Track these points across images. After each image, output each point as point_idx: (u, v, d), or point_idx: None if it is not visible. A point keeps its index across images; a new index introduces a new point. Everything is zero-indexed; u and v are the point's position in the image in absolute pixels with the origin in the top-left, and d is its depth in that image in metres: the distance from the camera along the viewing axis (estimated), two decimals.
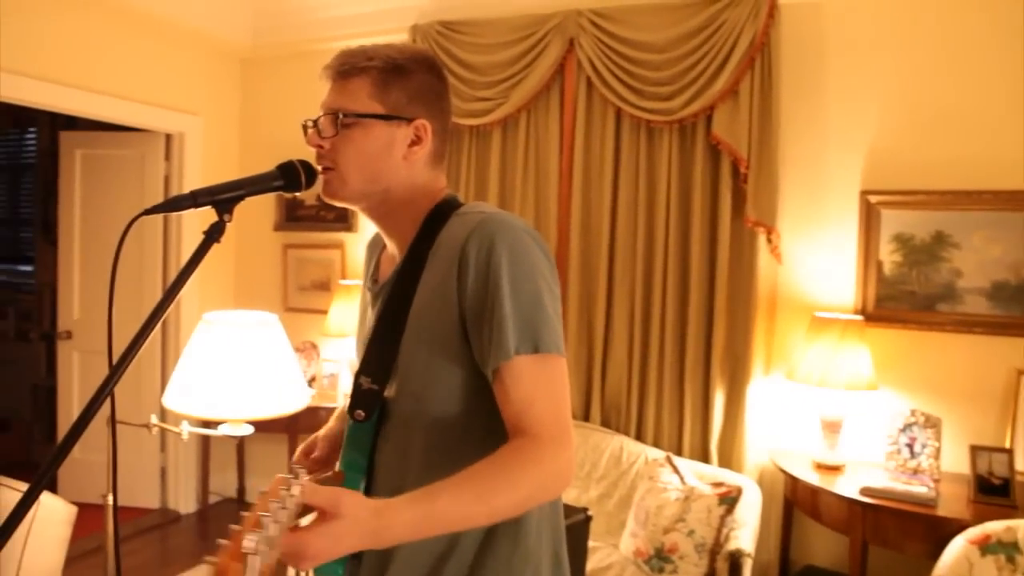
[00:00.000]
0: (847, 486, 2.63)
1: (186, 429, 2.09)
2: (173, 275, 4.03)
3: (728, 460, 3.08)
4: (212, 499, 4.40)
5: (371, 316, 1.23)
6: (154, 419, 2.15)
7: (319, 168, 1.16)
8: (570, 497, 3.10)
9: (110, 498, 2.16)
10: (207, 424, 2.06)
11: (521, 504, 0.98)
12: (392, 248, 1.23)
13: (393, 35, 3.70)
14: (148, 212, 1.03)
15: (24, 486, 2.20)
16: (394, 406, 1.12)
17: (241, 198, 1.09)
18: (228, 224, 1.08)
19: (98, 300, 4.18)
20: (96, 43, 3.58)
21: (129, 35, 3.72)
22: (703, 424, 3.15)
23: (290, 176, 1.13)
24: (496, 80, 3.51)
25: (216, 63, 4.28)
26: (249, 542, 0.74)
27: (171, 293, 1.05)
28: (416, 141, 1.15)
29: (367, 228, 4.10)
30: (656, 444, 3.20)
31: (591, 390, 3.39)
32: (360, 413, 1.13)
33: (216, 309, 4.21)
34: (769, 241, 3.06)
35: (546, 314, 1.04)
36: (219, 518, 4.25)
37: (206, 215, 1.06)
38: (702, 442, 3.15)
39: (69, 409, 4.22)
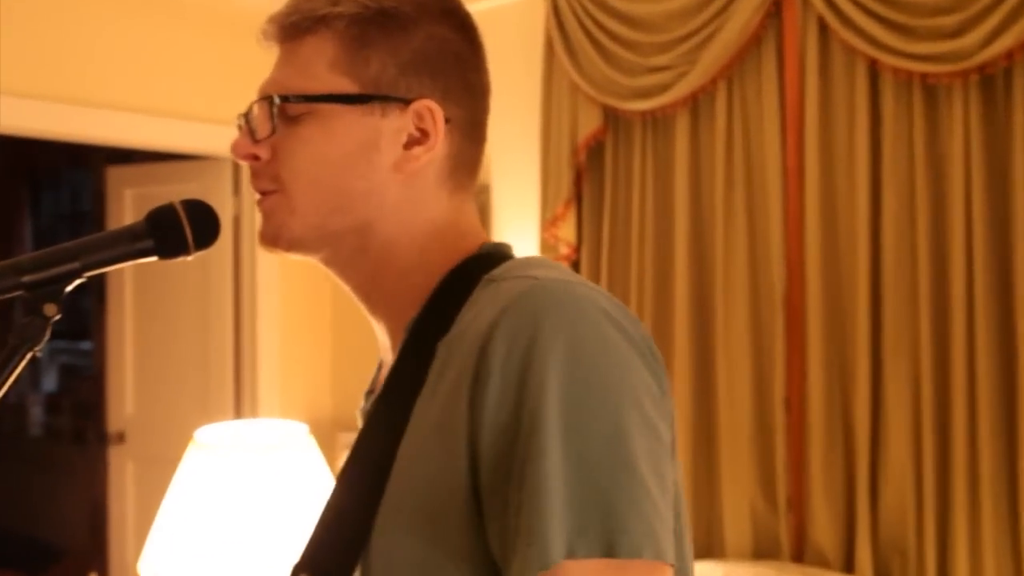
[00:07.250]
0: None
1: None
2: (246, 334, 3.22)
3: None
4: None
5: None
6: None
7: (256, 195, 0.71)
8: None
9: None
10: None
11: None
12: (383, 338, 0.75)
13: None
14: None
15: None
16: None
17: (72, 279, 0.66)
18: (51, 324, 0.65)
19: (158, 391, 3.36)
20: (138, 49, 2.84)
21: (177, 29, 2.94)
22: None
23: (166, 231, 0.67)
24: (676, 38, 2.49)
25: None
26: None
27: None
28: (417, 139, 0.69)
29: None
30: None
31: (855, 520, 2.22)
32: None
33: (312, 408, 3.24)
34: None
35: (634, 480, 0.54)
36: None
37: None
38: None
39: (122, 536, 3.37)
